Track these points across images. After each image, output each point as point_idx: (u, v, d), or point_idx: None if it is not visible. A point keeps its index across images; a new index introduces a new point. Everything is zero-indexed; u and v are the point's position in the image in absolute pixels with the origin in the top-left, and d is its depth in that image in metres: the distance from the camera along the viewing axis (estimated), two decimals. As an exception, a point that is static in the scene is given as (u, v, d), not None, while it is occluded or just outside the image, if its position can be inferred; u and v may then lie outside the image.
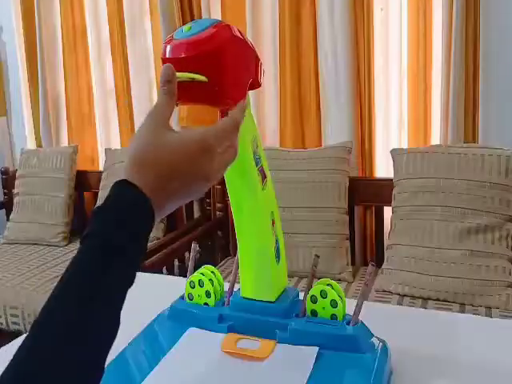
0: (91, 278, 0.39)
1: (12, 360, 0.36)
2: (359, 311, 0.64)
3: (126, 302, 0.41)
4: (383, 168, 2.00)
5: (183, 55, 0.51)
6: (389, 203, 1.78)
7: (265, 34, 2.09)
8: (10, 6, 2.61)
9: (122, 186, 0.43)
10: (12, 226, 2.46)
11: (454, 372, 0.68)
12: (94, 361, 0.37)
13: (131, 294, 0.42)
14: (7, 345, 0.80)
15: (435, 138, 1.89)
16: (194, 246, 0.77)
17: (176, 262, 1.93)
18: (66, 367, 0.35)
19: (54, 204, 2.40)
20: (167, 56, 0.53)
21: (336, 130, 2.00)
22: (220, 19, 0.55)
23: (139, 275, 0.43)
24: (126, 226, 0.41)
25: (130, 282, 0.41)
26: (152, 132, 0.46)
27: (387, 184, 1.80)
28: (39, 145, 2.68)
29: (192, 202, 2.37)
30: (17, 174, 2.54)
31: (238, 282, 0.70)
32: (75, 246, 2.34)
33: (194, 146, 0.45)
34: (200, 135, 0.46)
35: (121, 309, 0.40)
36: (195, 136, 0.46)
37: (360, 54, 1.92)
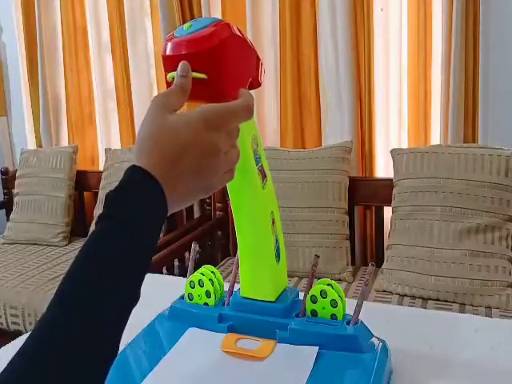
0: (104, 257, 0.40)
1: (29, 337, 0.36)
2: (359, 311, 0.64)
3: None
4: (383, 168, 2.00)
5: (183, 52, 0.52)
6: (389, 203, 1.78)
7: (265, 34, 2.09)
8: (10, 6, 2.61)
9: (132, 172, 0.43)
10: (12, 226, 2.46)
11: (453, 372, 0.68)
12: (107, 338, 0.38)
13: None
14: (7, 345, 0.80)
15: (435, 138, 1.89)
16: (194, 246, 0.76)
17: (176, 262, 1.93)
18: (80, 345, 0.36)
19: (54, 204, 2.40)
20: (167, 53, 0.53)
21: (336, 129, 2.00)
22: (221, 18, 0.56)
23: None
24: (138, 208, 0.42)
25: (145, 262, 0.42)
26: (156, 117, 0.46)
27: (387, 184, 1.80)
28: (39, 145, 2.69)
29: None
30: (17, 174, 2.54)
31: (238, 282, 0.70)
32: (75, 246, 2.34)
33: (197, 121, 0.46)
34: (202, 111, 0.47)
35: (138, 287, 0.41)
36: (198, 112, 0.47)
37: (360, 54, 1.92)
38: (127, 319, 0.40)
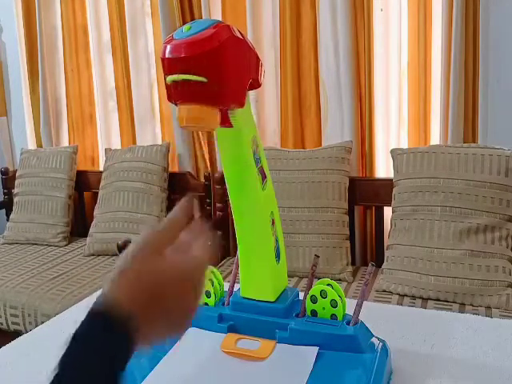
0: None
1: None
2: (359, 311, 0.64)
3: None
4: (383, 168, 2.00)
5: (183, 55, 0.52)
6: (389, 203, 1.78)
7: (265, 34, 2.09)
8: (10, 6, 2.61)
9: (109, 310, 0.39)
10: (12, 226, 2.46)
11: (453, 372, 0.68)
12: None
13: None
14: (7, 345, 0.80)
15: (435, 138, 1.89)
16: (194, 246, 0.76)
17: (176, 262, 1.93)
18: None
19: (54, 204, 2.40)
20: (167, 56, 0.53)
21: (336, 130, 2.00)
22: (220, 20, 0.56)
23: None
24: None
25: None
26: (147, 261, 0.43)
27: (387, 184, 1.80)
28: (39, 145, 2.69)
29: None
30: (17, 174, 2.55)
31: (238, 282, 0.70)
32: (75, 246, 2.34)
33: (180, 276, 0.43)
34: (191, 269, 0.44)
35: None
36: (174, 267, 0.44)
37: (360, 55, 1.92)
38: None
